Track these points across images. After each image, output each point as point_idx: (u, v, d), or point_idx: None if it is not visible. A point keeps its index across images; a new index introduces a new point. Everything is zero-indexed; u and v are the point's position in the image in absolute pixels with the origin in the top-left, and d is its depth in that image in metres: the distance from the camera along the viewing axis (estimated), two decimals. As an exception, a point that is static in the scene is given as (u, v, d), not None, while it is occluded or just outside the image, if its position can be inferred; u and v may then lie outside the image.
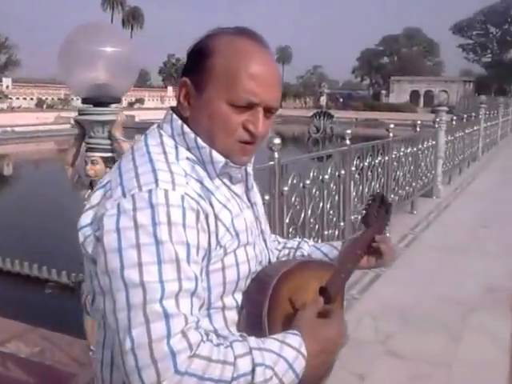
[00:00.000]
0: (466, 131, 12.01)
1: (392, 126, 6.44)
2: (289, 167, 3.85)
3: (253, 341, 0.93)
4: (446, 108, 9.20)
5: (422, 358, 3.28)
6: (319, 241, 4.27)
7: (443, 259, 5.37)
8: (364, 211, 1.37)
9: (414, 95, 59.08)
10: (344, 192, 4.90)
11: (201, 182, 1.01)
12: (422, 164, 7.97)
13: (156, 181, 0.93)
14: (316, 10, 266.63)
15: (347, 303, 4.03)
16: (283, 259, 1.34)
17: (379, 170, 5.98)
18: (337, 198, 4.81)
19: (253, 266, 1.07)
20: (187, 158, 1.03)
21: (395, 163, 6.57)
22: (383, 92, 62.75)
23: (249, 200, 1.16)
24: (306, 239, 1.44)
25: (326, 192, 4.53)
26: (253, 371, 0.87)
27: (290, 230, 3.93)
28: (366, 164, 5.53)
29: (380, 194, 1.43)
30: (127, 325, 0.86)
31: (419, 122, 7.65)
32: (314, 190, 4.33)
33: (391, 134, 6.26)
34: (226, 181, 1.09)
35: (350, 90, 75.35)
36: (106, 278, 0.90)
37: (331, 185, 4.66)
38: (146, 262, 0.87)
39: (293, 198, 3.96)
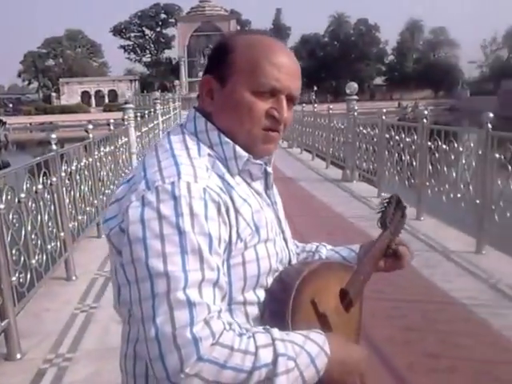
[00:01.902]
0: (150, 126, 12.50)
1: (91, 126, 6.20)
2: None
3: (276, 332, 0.91)
4: (132, 105, 9.33)
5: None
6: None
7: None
8: (380, 213, 1.32)
9: (86, 96, 58.32)
10: (59, 200, 4.52)
11: (222, 178, 1.00)
12: (120, 161, 7.95)
13: (179, 173, 0.93)
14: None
15: (87, 315, 3.75)
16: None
17: (86, 172, 5.72)
18: (53, 207, 4.40)
19: (273, 263, 1.05)
20: (209, 155, 1.02)
21: (98, 164, 6.37)
22: (54, 94, 60.14)
23: (269, 199, 1.13)
24: (324, 243, 1.40)
25: (41, 203, 4.10)
26: (275, 361, 0.86)
27: (14, 251, 3.43)
28: (73, 168, 5.21)
29: (396, 196, 1.37)
30: (152, 313, 0.86)
31: (112, 120, 7.57)
32: (30, 203, 3.87)
33: (91, 135, 6.03)
34: (247, 178, 1.08)
35: (18, 95, 70.08)
36: (131, 267, 0.90)
37: (45, 194, 4.23)
38: (170, 252, 0.87)
39: (10, 216, 3.45)
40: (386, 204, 1.34)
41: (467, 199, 5.38)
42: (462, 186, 5.55)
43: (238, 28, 41.13)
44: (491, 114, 4.93)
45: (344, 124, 9.29)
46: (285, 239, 1.14)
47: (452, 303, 3.70)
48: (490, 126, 4.86)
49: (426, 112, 6.39)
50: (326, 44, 68.57)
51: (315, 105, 13.23)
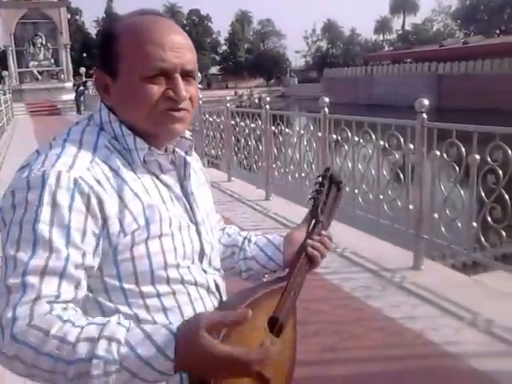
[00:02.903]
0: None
1: None
2: None
3: (111, 327, 0.84)
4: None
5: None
6: None
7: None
8: (312, 199, 1.14)
9: None
10: None
11: (115, 171, 0.97)
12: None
13: (55, 163, 0.93)
14: None
15: None
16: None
17: None
18: None
19: (170, 258, 1.00)
20: (106, 146, 0.99)
21: None
22: None
23: (182, 190, 1.08)
24: (250, 235, 1.31)
25: None
26: (89, 361, 0.80)
27: None
28: None
29: (330, 171, 1.17)
30: None
31: None
32: None
33: None
34: (155, 170, 1.04)
35: None
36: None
37: None
38: (24, 238, 0.88)
39: None
40: (318, 186, 1.20)
41: (311, 177, 5.75)
42: (305, 166, 5.91)
43: (69, 16, 38.57)
44: (327, 99, 5.31)
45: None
46: (198, 231, 1.08)
47: (309, 273, 3.95)
48: (326, 109, 5.23)
49: (268, 99, 6.68)
50: (160, 33, 67.72)
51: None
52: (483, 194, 3.64)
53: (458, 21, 66.77)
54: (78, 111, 25.82)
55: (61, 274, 0.87)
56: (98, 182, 0.94)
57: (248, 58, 72.54)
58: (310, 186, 5.77)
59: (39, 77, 31.42)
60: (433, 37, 66.73)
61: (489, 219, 3.59)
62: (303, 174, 5.91)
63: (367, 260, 4.24)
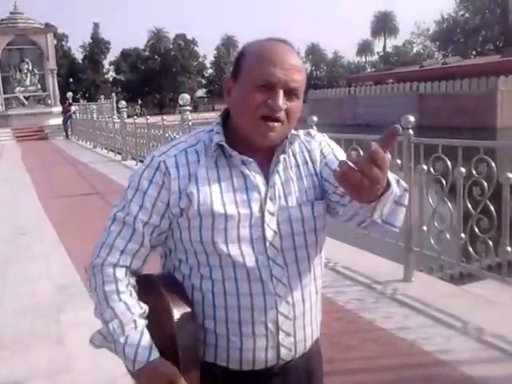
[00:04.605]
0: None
1: None
2: None
3: (127, 318, 1.18)
4: None
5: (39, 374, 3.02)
6: None
7: None
8: None
9: None
10: None
11: (199, 161, 1.22)
12: None
13: (157, 151, 1.27)
14: None
15: None
16: None
17: None
18: None
19: (218, 237, 1.19)
20: (204, 142, 1.25)
21: None
22: None
23: (267, 180, 1.23)
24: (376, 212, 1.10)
25: None
26: (106, 323, 1.19)
27: None
28: None
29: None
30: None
31: None
32: None
33: None
34: (237, 162, 1.22)
35: None
36: None
37: None
38: (122, 197, 1.26)
39: None
40: None
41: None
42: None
43: (55, 42, 38.58)
44: (315, 118, 5.42)
45: (179, 134, 9.35)
46: (262, 220, 1.20)
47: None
48: (315, 128, 5.32)
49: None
50: (147, 58, 67.89)
51: (148, 117, 13.04)
52: (469, 205, 3.73)
53: (437, 43, 68.10)
54: (66, 136, 25.75)
55: (132, 226, 1.21)
56: (177, 166, 1.21)
57: (233, 80, 72.72)
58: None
59: (26, 102, 31.22)
60: (413, 58, 67.92)
61: (476, 230, 3.68)
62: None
63: (359, 274, 4.30)
